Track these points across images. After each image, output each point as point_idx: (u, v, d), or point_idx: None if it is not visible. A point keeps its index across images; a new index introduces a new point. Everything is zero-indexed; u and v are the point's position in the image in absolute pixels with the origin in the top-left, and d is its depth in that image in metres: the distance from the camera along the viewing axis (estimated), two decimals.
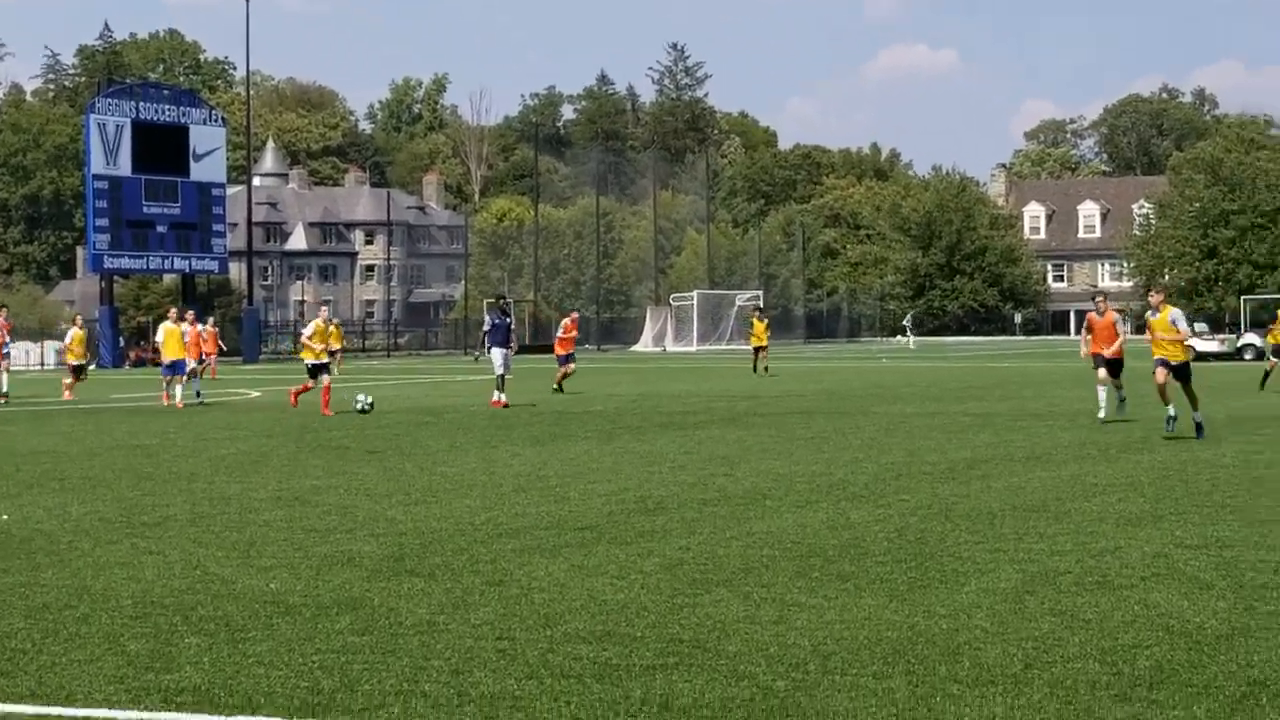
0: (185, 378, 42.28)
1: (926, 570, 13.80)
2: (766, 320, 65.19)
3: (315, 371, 37.91)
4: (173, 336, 42.34)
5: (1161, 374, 27.73)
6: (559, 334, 50.60)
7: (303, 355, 39.51)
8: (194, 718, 9.11)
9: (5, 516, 18.29)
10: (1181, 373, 28.04)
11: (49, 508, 19.20)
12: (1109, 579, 13.24)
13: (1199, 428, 27.43)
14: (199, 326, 49.52)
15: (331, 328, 45.27)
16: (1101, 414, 30.94)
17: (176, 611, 12.29)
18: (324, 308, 42.50)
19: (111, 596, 13.00)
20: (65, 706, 9.39)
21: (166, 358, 42.42)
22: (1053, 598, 12.44)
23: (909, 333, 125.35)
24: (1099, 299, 32.20)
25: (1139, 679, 9.75)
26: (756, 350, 61.07)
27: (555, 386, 46.36)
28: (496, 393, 40.06)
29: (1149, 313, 28.86)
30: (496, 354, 41.16)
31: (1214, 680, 9.70)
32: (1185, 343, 28.68)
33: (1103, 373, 30.95)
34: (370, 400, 22.27)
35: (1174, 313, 28.27)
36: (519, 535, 16.28)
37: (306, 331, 39.24)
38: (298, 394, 39.14)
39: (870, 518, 17.28)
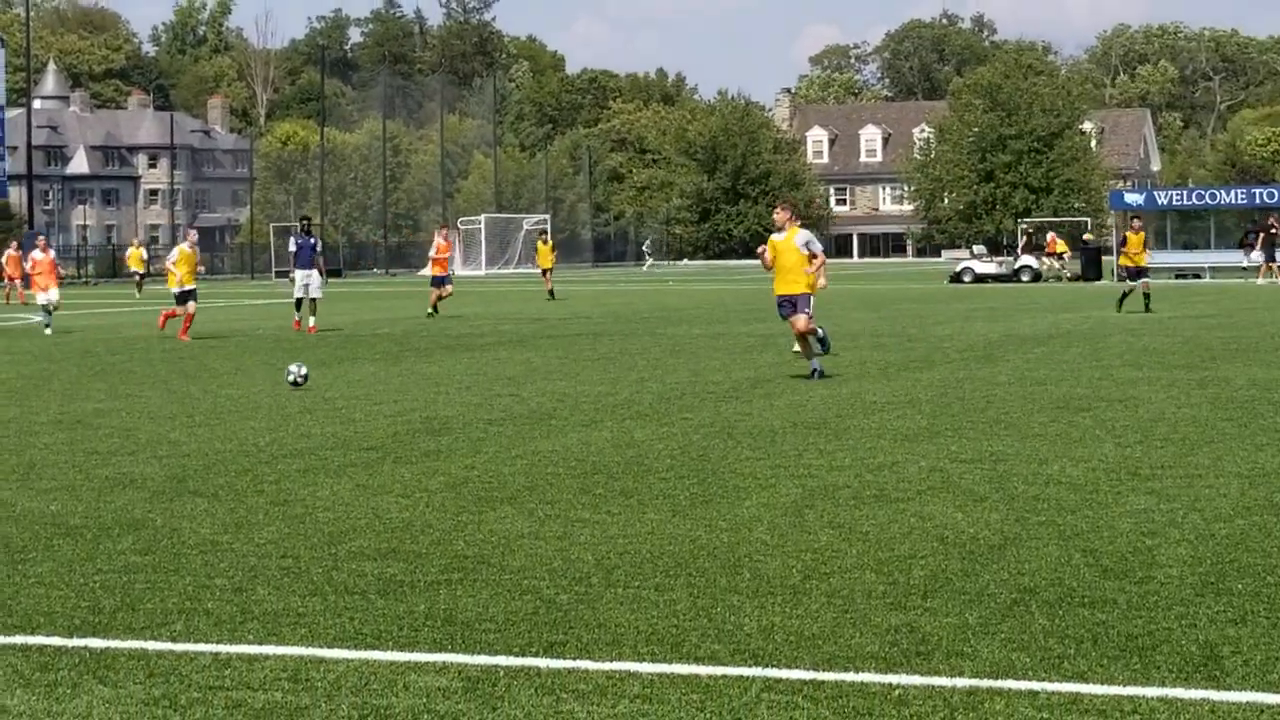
0: None
1: (708, 486, 13.92)
2: (551, 243, 65.11)
3: (183, 298, 36.90)
4: None
5: (801, 321, 23.39)
6: (431, 254, 48.24)
7: (168, 282, 38.81)
8: None
9: None
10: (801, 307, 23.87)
11: None
12: (886, 493, 13.44)
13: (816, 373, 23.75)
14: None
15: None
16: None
17: None
18: (191, 232, 41.32)
19: None
20: None
21: None
22: (831, 511, 12.61)
23: (648, 256, 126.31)
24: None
25: (914, 588, 9.92)
26: (544, 273, 61.09)
27: (430, 310, 44.64)
28: (295, 314, 39.44)
29: (774, 234, 24.38)
30: (299, 275, 39.77)
31: (986, 588, 9.88)
32: (813, 270, 23.97)
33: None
34: (305, 373, 21.33)
35: (802, 234, 23.54)
36: (303, 456, 16.19)
37: (171, 257, 38.76)
38: (167, 317, 38.29)
39: (654, 436, 17.38)
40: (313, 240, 40.25)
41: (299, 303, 39.38)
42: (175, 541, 11.72)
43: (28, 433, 18.50)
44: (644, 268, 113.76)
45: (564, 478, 14.52)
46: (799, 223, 24.26)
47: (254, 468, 15.40)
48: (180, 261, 37.52)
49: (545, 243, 64.11)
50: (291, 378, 22.28)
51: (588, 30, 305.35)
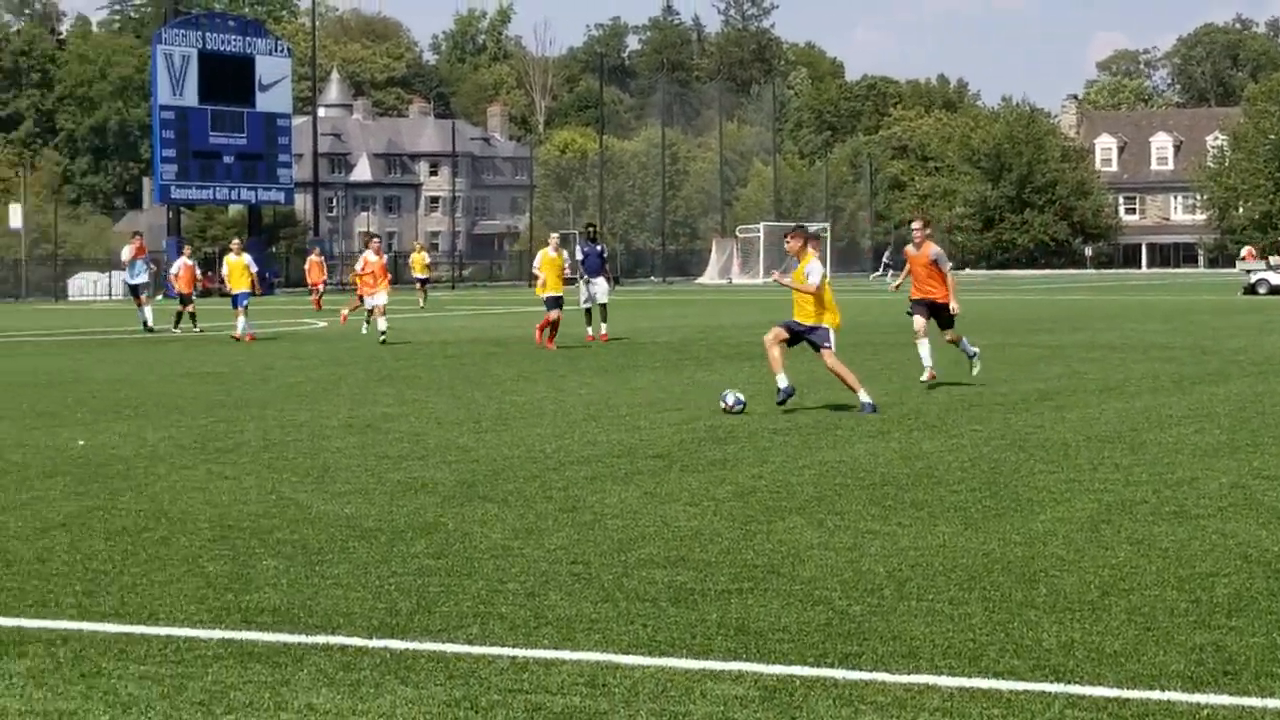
0: (243, 309, 41.34)
1: (1001, 499, 13.82)
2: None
3: (554, 304, 36.04)
4: (236, 269, 41.80)
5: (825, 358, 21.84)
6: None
7: (359, 290, 40.18)
8: (274, 637, 9.22)
9: (82, 442, 18.48)
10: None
11: (124, 434, 19.40)
12: (1186, 509, 13.23)
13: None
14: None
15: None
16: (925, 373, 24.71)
17: (254, 535, 12.43)
18: (375, 240, 42.34)
19: (189, 520, 13.15)
20: (148, 625, 9.52)
21: (233, 289, 41.82)
22: (1129, 527, 12.45)
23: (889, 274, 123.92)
24: (917, 226, 25.60)
25: (1218, 606, 9.77)
26: None
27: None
28: (587, 327, 38.56)
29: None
30: (590, 286, 38.56)
31: None
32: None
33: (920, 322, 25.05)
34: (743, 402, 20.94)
35: (813, 265, 21.76)
36: (590, 463, 16.36)
37: (359, 266, 40.15)
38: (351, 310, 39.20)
39: (943, 447, 17.29)
40: (599, 247, 39.66)
41: (588, 313, 38.88)
42: (467, 546, 11.93)
43: (320, 436, 18.95)
44: (884, 278, 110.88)
45: (852, 489, 14.52)
46: (813, 252, 21.91)
47: (542, 474, 15.61)
48: (545, 265, 36.79)
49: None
50: (725, 405, 21.37)
51: (867, 36, 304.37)
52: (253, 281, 41.51)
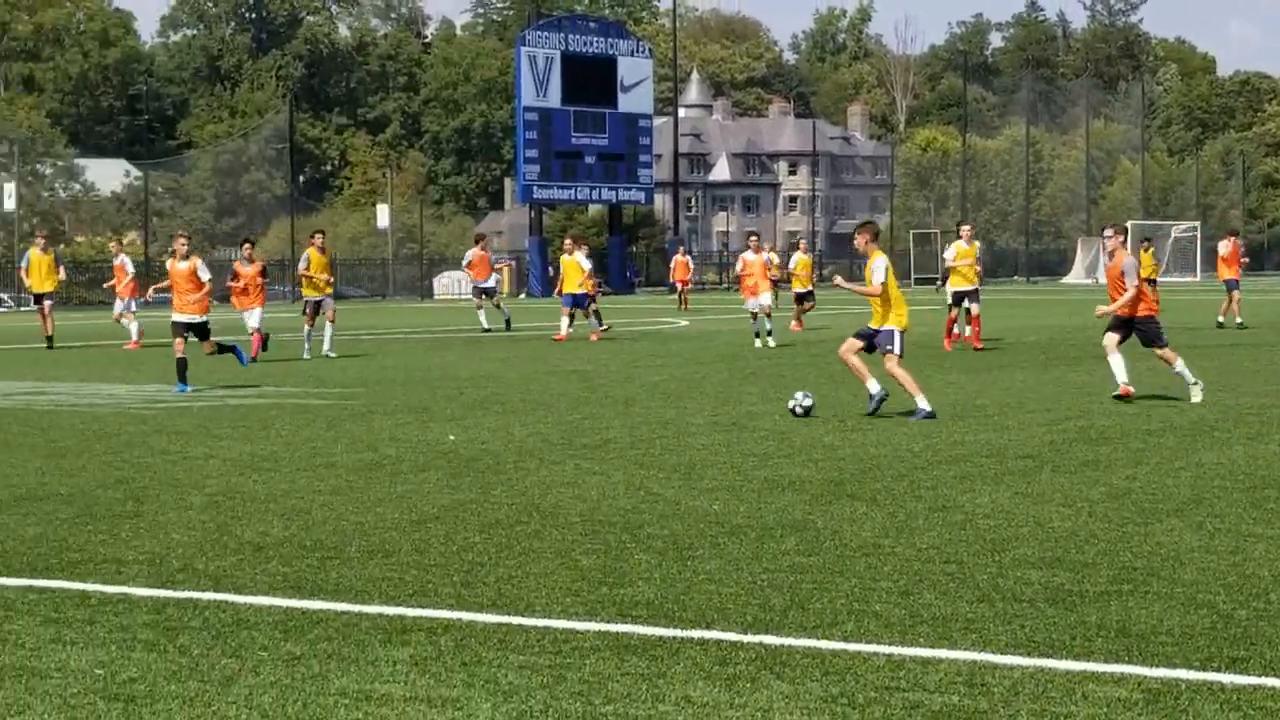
0: (588, 311, 41.40)
1: None
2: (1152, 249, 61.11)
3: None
4: (571, 268, 41.65)
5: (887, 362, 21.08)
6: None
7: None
8: (649, 630, 9.33)
9: (453, 437, 18.91)
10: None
11: (493, 429, 19.80)
12: None
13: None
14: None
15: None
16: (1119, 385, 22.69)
17: (624, 529, 12.59)
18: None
19: (560, 514, 13.37)
20: (525, 616, 9.71)
21: (566, 290, 41.83)
22: None
23: None
24: (1109, 234, 24.73)
25: None
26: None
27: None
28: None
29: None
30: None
31: None
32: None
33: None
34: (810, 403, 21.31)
35: (879, 261, 20.93)
36: (959, 462, 16.25)
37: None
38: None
39: None
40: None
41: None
42: (838, 544, 11.94)
43: (685, 433, 19.11)
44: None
45: (1232, 491, 14.20)
46: (878, 250, 21.23)
47: (910, 473, 15.55)
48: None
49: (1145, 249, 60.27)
50: (796, 408, 21.22)
51: (1240, 30, 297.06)
52: (587, 280, 41.18)
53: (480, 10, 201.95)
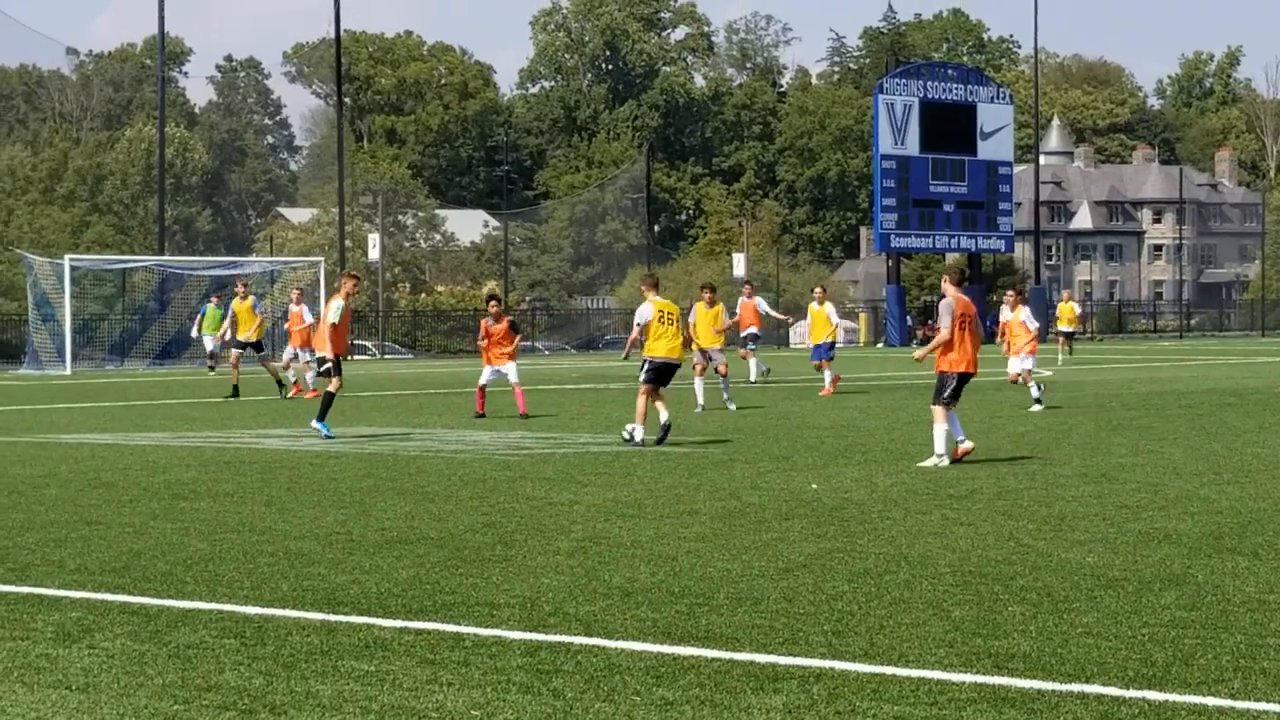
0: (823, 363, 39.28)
1: None
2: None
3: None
4: (819, 319, 39.92)
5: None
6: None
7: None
8: (1027, 683, 9.20)
9: (815, 486, 18.89)
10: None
11: (855, 478, 19.74)
12: None
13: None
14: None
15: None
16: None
17: (996, 580, 12.45)
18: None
19: (929, 564, 13.27)
20: (899, 667, 9.64)
21: (814, 341, 40.32)
22: None
23: None
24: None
25: None
26: None
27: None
28: None
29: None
30: None
31: None
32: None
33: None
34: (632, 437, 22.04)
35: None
36: None
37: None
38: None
39: None
40: None
41: None
42: (1220, 598, 11.66)
43: (1054, 485, 18.85)
44: None
45: None
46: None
47: None
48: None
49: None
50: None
51: None
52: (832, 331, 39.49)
53: (836, 59, 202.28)
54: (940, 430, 21.35)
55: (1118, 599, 11.68)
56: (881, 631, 10.65)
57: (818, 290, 42.30)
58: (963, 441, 21.62)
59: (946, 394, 21.49)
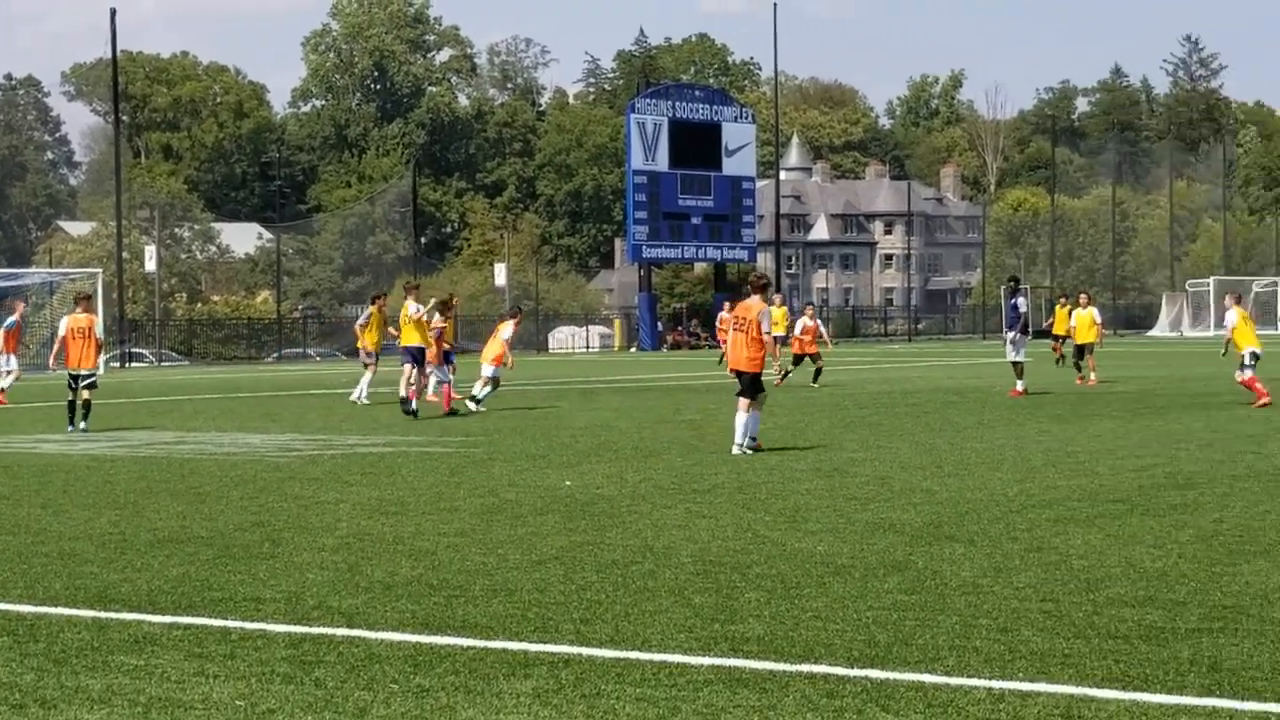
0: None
1: None
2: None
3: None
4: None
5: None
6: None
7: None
8: (760, 664, 9.30)
9: (569, 483, 18.94)
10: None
11: (607, 475, 19.83)
12: None
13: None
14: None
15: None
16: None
17: (734, 569, 12.57)
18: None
19: (672, 554, 13.37)
20: (642, 651, 9.70)
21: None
22: None
23: None
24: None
25: None
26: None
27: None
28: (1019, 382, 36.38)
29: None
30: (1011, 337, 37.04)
31: None
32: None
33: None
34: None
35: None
36: (1052, 506, 16.15)
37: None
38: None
39: None
40: (1012, 302, 38.02)
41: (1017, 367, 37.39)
42: (938, 583, 11.88)
43: (790, 479, 19.07)
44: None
45: None
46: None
47: (1005, 516, 15.46)
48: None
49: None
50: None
51: None
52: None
53: (592, 80, 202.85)
54: (738, 420, 22.31)
55: (845, 584, 11.85)
56: (626, 619, 10.71)
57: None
58: (739, 443, 22.25)
59: (738, 390, 22.51)
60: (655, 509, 16.41)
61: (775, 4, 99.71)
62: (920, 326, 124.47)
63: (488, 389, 33.29)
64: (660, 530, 14.82)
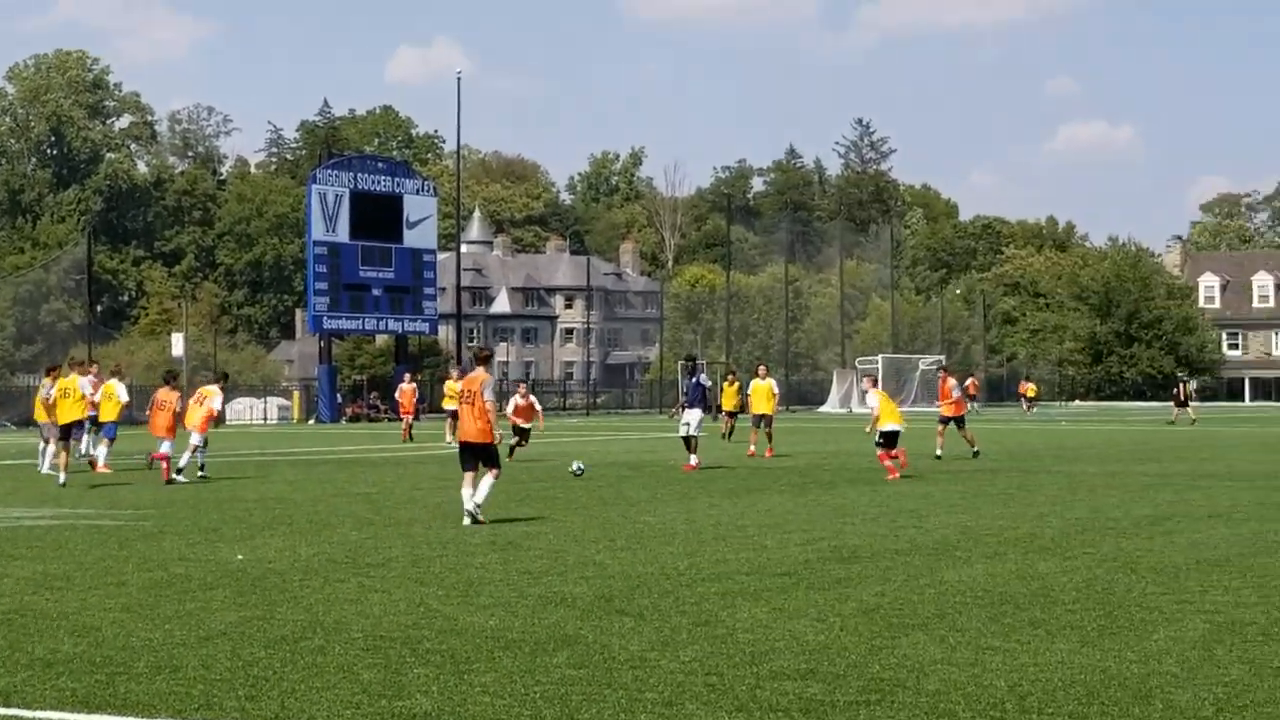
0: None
1: (1115, 619, 13.69)
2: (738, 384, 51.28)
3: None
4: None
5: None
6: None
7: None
8: None
9: (240, 557, 18.66)
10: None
11: (280, 549, 19.57)
12: None
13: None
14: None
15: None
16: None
17: (404, 644, 12.50)
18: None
19: (343, 630, 13.24)
20: None
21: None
22: (1240, 647, 12.30)
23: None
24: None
25: None
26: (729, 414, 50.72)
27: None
28: (692, 456, 37.06)
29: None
30: (692, 414, 37.67)
31: None
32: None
33: None
34: (583, 466, 23.11)
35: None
36: (721, 580, 16.34)
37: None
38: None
39: (1058, 569, 17.14)
40: (693, 379, 38.83)
41: (689, 441, 37.58)
42: (606, 657, 11.94)
43: (465, 553, 19.03)
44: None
45: (971, 607, 14.42)
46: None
47: (675, 590, 15.61)
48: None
49: (732, 382, 51.10)
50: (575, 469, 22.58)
51: (980, 179, 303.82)
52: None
53: (274, 150, 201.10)
54: (465, 492, 22.85)
55: (514, 659, 11.85)
56: (293, 695, 10.58)
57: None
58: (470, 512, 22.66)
59: (464, 463, 23.02)
60: (327, 583, 16.24)
61: (459, 77, 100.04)
62: (599, 400, 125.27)
63: (196, 455, 33.69)
64: (331, 605, 14.68)
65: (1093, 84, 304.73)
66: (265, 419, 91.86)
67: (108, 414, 36.86)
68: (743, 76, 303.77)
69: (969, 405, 58.19)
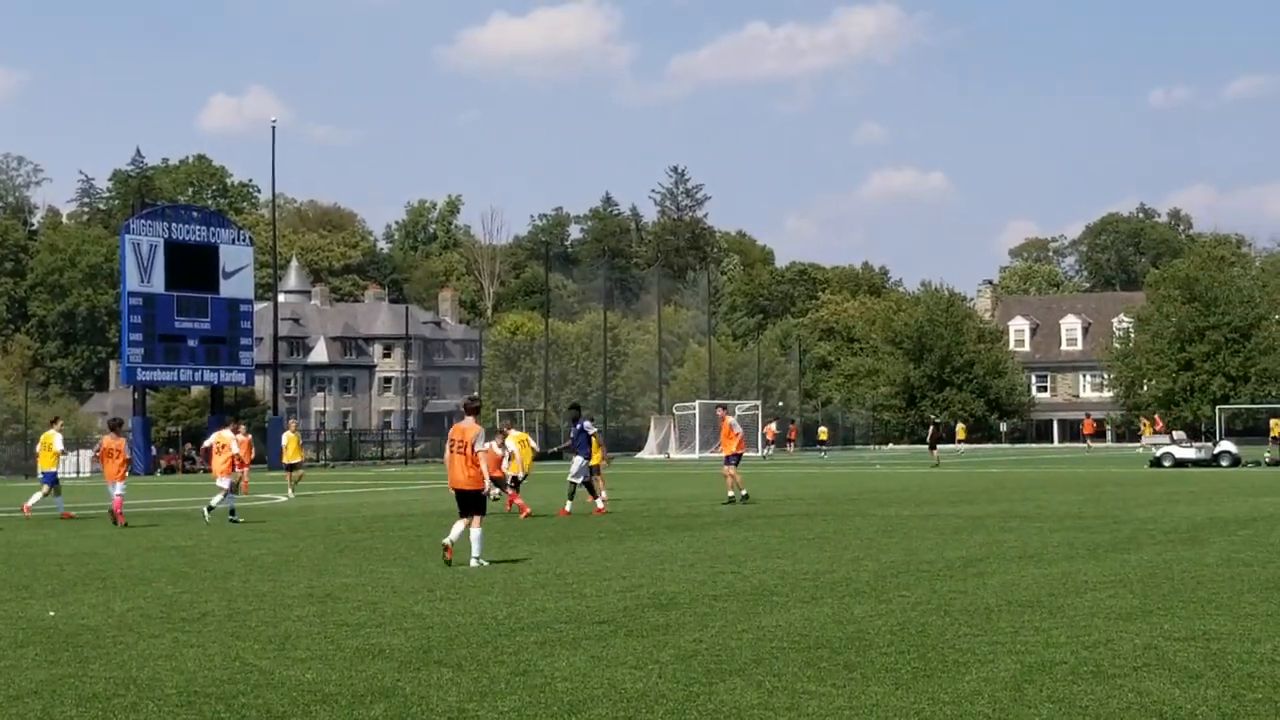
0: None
1: (929, 660, 13.84)
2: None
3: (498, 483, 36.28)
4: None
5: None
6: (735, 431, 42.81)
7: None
8: None
9: (52, 613, 18.33)
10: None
11: (93, 604, 19.25)
12: (1103, 669, 13.26)
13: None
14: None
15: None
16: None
17: (219, 700, 12.34)
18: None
19: (157, 686, 13.05)
20: None
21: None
22: (1050, 686, 12.48)
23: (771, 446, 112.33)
24: None
25: None
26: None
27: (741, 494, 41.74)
28: (568, 502, 38.30)
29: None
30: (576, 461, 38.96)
31: None
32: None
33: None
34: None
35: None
36: (540, 629, 16.31)
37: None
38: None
39: (873, 612, 17.30)
40: (578, 426, 38.97)
41: (572, 487, 38.82)
42: (424, 709, 11.88)
43: (282, 605, 18.83)
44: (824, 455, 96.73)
45: (789, 651, 14.50)
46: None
47: (494, 639, 15.56)
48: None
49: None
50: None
51: (796, 225, 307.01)
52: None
53: (87, 200, 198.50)
54: (455, 525, 24.30)
55: (330, 712, 11.75)
56: None
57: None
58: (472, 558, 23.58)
59: (459, 510, 24.36)
60: (141, 639, 16.00)
61: (274, 126, 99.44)
62: (418, 449, 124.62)
63: (226, 499, 36.86)
64: (145, 661, 14.46)
65: (902, 132, 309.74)
66: (78, 472, 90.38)
67: (47, 463, 40.81)
68: (558, 125, 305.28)
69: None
